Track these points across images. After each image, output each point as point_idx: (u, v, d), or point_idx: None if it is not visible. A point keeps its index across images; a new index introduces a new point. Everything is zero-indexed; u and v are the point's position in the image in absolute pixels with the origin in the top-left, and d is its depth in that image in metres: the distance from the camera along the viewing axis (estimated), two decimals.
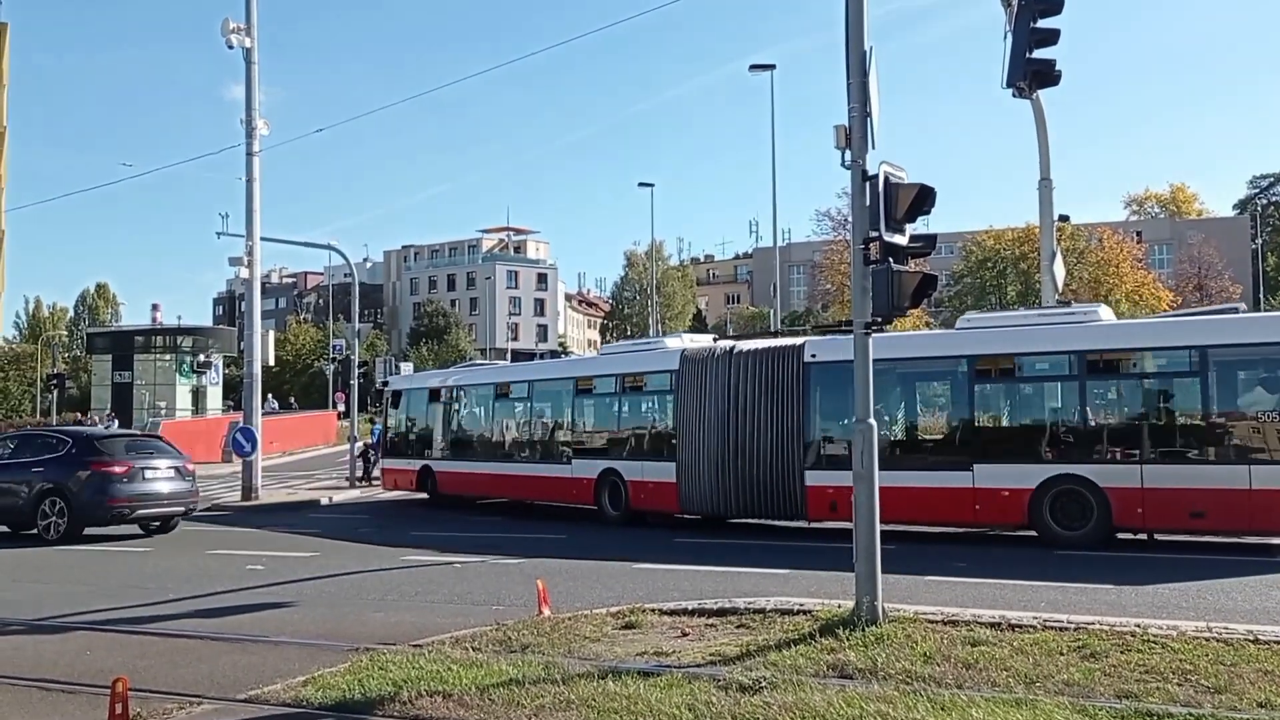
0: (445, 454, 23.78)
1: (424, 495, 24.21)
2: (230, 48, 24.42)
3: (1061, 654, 7.34)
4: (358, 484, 28.82)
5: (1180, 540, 14.02)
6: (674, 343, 19.34)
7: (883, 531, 8.55)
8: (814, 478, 15.79)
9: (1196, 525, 13.51)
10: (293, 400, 59.57)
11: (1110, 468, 13.61)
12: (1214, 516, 13.16)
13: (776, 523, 17.27)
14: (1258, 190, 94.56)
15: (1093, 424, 14.27)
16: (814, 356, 16.17)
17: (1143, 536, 13.99)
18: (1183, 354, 13.80)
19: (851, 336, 8.72)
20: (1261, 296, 73.60)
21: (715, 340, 19.39)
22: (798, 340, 17.25)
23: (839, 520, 14.47)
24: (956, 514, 14.90)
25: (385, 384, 27.91)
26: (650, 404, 19.05)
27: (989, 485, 14.40)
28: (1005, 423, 15.27)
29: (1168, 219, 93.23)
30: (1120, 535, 13.62)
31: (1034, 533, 14.11)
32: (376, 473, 28.63)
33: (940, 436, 15.71)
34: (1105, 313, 15.08)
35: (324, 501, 25.06)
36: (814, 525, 16.48)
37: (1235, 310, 15.33)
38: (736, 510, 17.14)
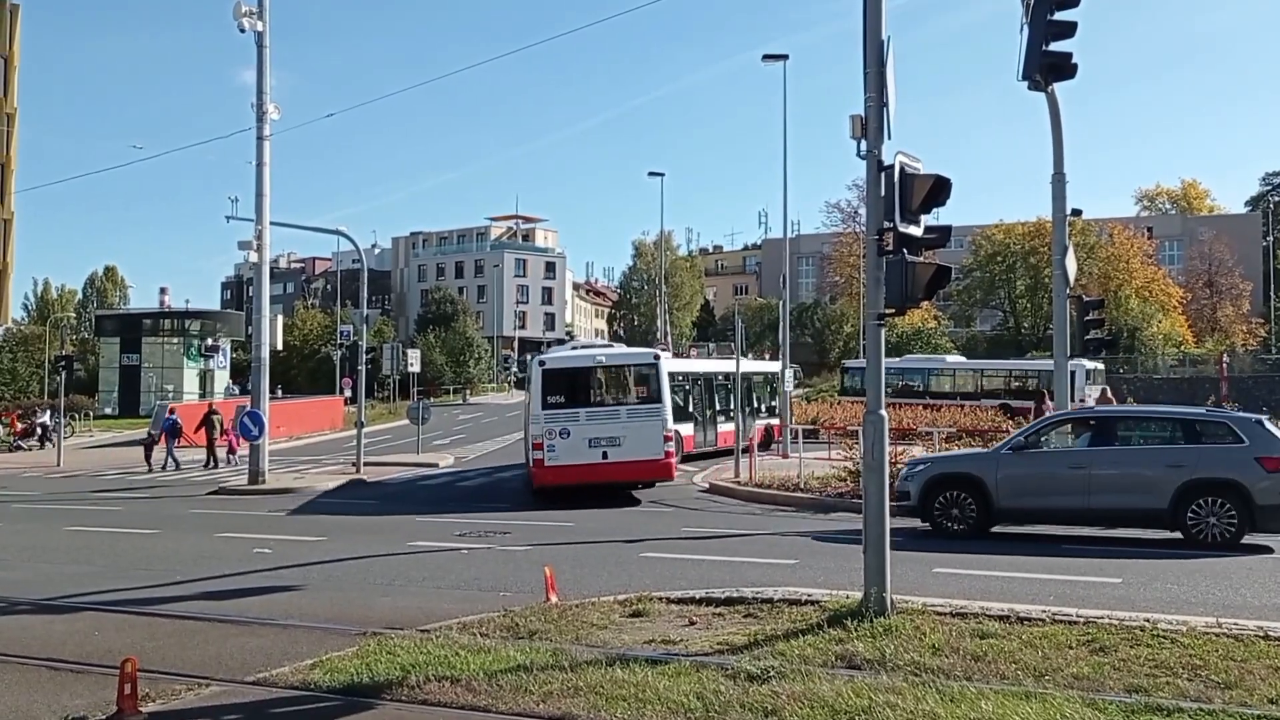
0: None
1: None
2: (242, 31, 24.37)
3: (1071, 647, 7.34)
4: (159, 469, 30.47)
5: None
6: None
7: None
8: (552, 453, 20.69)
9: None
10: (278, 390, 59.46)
11: None
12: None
13: (779, 511, 17.37)
14: (1270, 187, 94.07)
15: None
16: (547, 360, 22.15)
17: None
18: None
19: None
20: (1271, 293, 73.22)
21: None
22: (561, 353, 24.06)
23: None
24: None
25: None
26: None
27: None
28: None
29: (1179, 215, 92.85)
30: None
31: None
32: (159, 458, 30.84)
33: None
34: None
35: (330, 486, 25.10)
36: (825, 516, 16.68)
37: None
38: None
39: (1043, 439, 15.20)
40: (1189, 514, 13.41)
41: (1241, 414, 15.61)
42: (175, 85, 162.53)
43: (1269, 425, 14.06)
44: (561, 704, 6.30)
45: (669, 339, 64.10)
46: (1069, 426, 15.77)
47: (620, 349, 25.15)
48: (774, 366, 35.39)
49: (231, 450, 31.60)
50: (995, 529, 14.48)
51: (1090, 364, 40.42)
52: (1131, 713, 5.86)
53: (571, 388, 21.00)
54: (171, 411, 33.17)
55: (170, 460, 30.76)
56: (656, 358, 21.36)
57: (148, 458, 31.22)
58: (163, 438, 31.33)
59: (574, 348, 26.09)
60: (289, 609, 9.90)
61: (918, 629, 7.78)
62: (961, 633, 7.71)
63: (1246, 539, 13.33)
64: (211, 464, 30.87)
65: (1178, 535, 13.44)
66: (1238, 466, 13.36)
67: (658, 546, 13.76)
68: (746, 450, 23.28)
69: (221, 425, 31.93)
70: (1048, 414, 20.83)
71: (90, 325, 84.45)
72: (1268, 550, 13.03)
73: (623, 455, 20.01)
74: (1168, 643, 7.37)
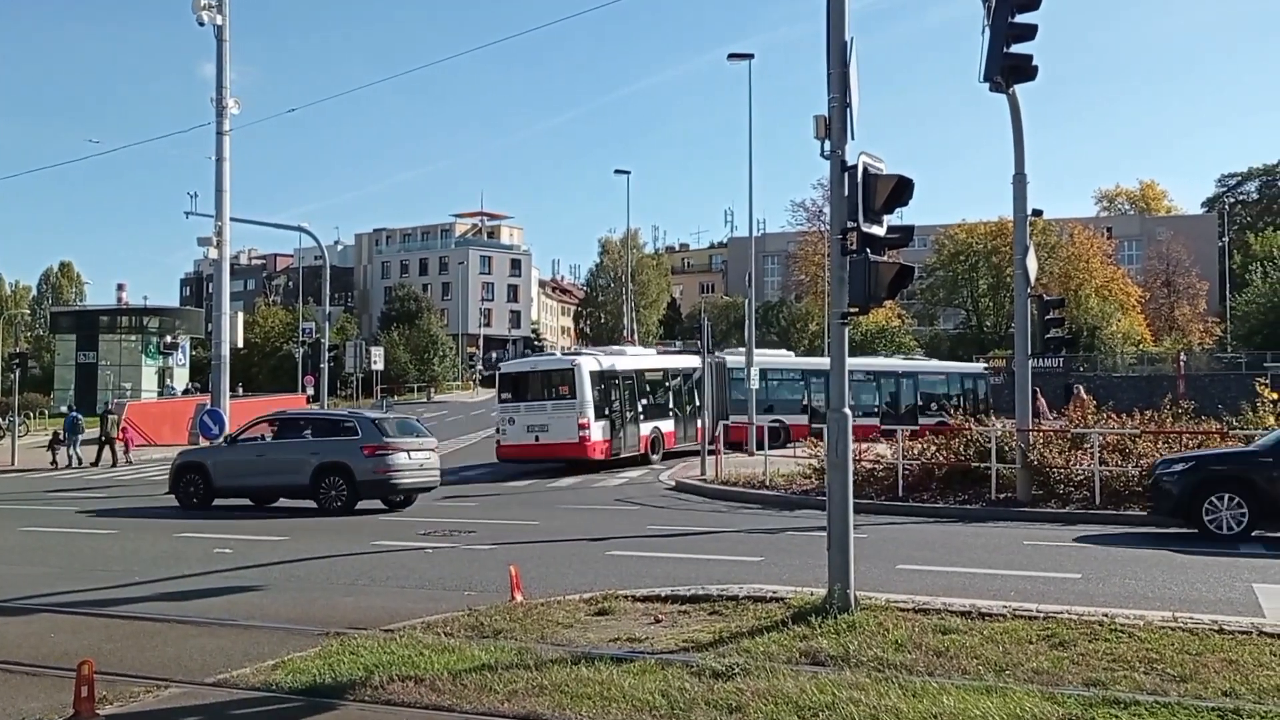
0: None
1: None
2: (201, 25, 24.07)
3: (1031, 642, 7.41)
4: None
5: (1138, 533, 14.31)
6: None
7: None
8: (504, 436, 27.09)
9: None
10: (194, 385, 58.57)
11: None
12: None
13: (745, 509, 17.47)
14: (1226, 189, 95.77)
15: None
16: (504, 367, 29.76)
17: None
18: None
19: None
20: (1227, 293, 74.49)
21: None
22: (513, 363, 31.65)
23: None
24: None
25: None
26: None
27: None
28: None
29: (1138, 215, 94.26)
30: None
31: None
32: (64, 459, 32.36)
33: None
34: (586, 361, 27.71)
35: None
36: (790, 513, 16.79)
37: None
38: None
39: (243, 436, 20.38)
40: (320, 488, 18.55)
41: (365, 413, 21.28)
42: (134, 77, 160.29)
43: (380, 423, 19.46)
44: (526, 703, 6.27)
45: (635, 337, 64.17)
46: (273, 423, 20.88)
47: (558, 356, 32.03)
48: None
49: (127, 449, 32.51)
50: (217, 502, 19.55)
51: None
52: (1089, 706, 5.93)
53: (516, 386, 27.46)
54: (72, 409, 34.48)
55: (73, 457, 31.92)
56: (574, 364, 27.00)
57: (54, 453, 32.20)
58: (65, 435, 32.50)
59: (606, 352, 32.01)
60: (250, 609, 9.79)
61: (881, 625, 7.83)
62: (924, 628, 7.76)
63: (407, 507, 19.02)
64: (110, 463, 31.48)
65: (314, 504, 18.58)
66: (349, 453, 18.55)
67: (624, 544, 13.76)
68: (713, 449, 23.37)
69: (117, 424, 32.42)
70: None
71: (45, 322, 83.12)
72: (374, 512, 18.54)
73: (549, 439, 25.96)
74: (1125, 637, 7.46)
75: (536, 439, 25.95)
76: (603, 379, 27.08)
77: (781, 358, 38.24)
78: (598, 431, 26.02)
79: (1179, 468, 14.32)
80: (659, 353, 35.02)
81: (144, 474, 28.84)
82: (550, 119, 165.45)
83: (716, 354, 31.93)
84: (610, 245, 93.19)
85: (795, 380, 35.51)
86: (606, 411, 26.73)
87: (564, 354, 32.57)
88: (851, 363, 35.95)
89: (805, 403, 34.27)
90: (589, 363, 27.40)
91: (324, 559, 13.02)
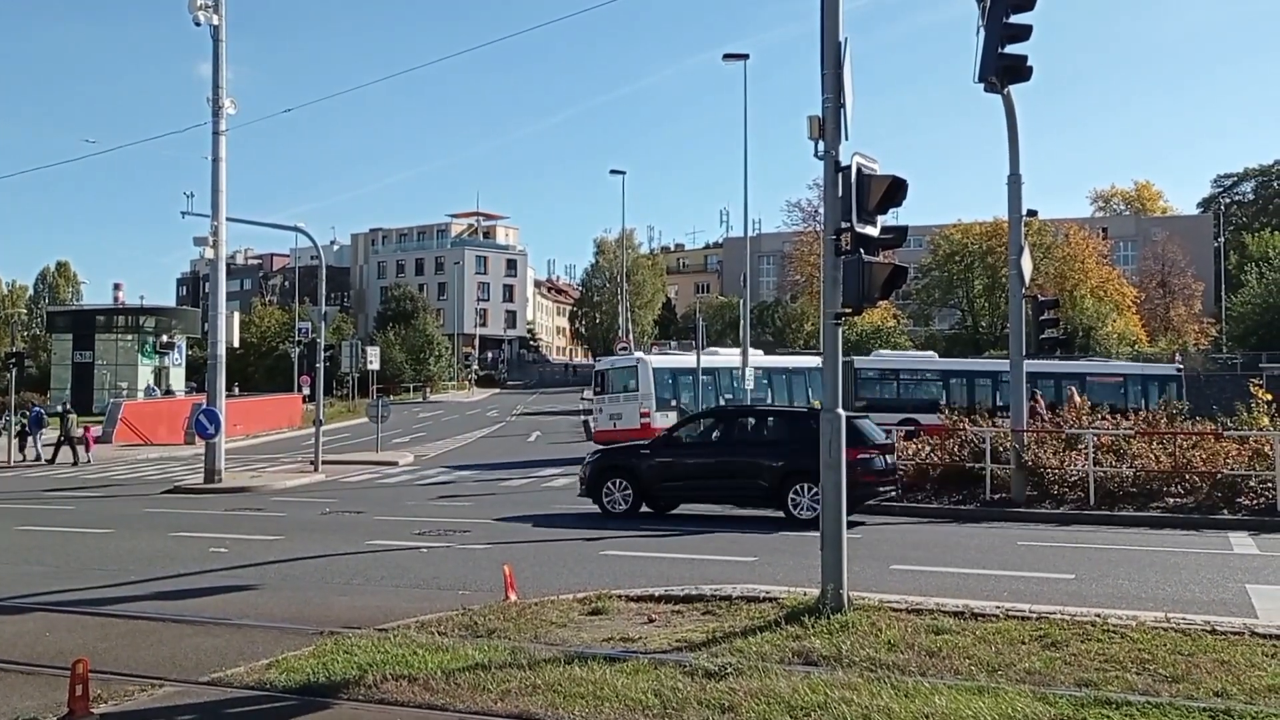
0: None
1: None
2: (197, 25, 24.01)
3: (1023, 643, 7.43)
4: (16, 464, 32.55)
5: (1141, 533, 14.32)
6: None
7: None
8: (596, 423, 33.23)
9: None
10: (190, 385, 58.48)
11: None
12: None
13: (743, 510, 17.50)
14: (1221, 189, 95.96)
15: None
16: (598, 364, 36.08)
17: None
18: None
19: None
20: (1222, 293, 74.61)
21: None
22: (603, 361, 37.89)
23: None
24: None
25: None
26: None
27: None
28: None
29: (1133, 216, 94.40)
30: None
31: None
32: (31, 454, 33.38)
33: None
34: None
35: (288, 485, 24.87)
36: (777, 514, 16.75)
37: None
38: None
39: None
40: None
41: None
42: (130, 77, 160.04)
43: None
44: (519, 702, 6.29)
45: (630, 337, 64.21)
46: None
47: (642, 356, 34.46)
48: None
49: (88, 448, 32.87)
50: None
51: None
52: (1081, 706, 5.95)
53: (602, 381, 32.77)
54: (33, 406, 35.62)
55: (36, 452, 33.04)
56: (638, 361, 32.06)
57: (22, 448, 33.29)
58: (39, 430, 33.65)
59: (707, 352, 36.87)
60: (245, 609, 9.79)
61: (874, 625, 7.85)
62: (917, 629, 7.78)
63: None
64: (70, 461, 31.98)
65: None
66: None
67: (618, 544, 13.77)
68: None
69: (76, 422, 33.33)
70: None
71: (42, 321, 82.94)
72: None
73: (622, 425, 30.56)
74: (1117, 637, 7.49)
75: (614, 425, 30.86)
76: (669, 374, 31.83)
77: (922, 358, 41.25)
78: (660, 419, 29.80)
79: (593, 458, 17.90)
80: (766, 354, 39.30)
81: (108, 473, 28.81)
82: (546, 119, 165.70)
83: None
84: (606, 245, 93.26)
85: (933, 380, 37.97)
86: (674, 402, 31.12)
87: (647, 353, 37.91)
88: (1000, 364, 36.45)
89: (943, 402, 34.54)
90: (653, 360, 32.64)
91: (319, 559, 13.02)
